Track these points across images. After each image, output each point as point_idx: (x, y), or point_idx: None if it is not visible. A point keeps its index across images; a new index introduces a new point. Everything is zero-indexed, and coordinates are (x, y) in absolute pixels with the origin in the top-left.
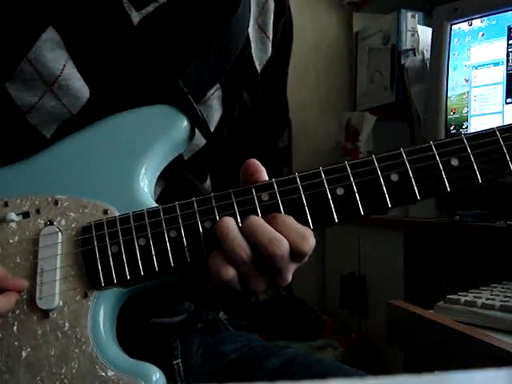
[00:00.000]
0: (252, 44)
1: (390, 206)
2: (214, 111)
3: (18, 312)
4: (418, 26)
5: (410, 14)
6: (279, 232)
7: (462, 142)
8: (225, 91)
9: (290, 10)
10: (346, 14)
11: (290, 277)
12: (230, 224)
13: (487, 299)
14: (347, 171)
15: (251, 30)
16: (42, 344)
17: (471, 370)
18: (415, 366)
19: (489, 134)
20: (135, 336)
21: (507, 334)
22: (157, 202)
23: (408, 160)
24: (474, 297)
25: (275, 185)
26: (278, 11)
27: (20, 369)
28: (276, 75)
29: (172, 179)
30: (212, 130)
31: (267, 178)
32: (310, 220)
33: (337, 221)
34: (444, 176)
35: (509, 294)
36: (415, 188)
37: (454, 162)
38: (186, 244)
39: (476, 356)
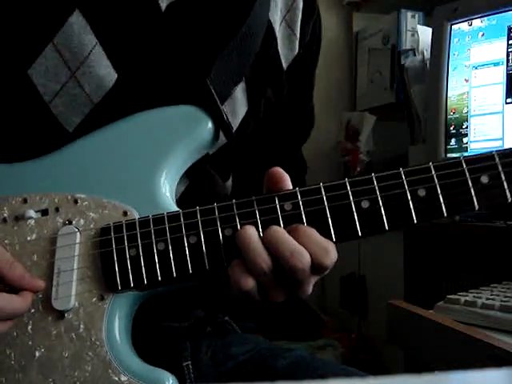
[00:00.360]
0: (278, 41)
1: (415, 221)
2: (240, 105)
3: (32, 311)
4: (418, 26)
5: (410, 13)
6: (301, 244)
7: (493, 159)
8: (249, 84)
9: (319, 13)
10: (346, 14)
11: (310, 289)
12: (252, 234)
13: (487, 299)
14: (373, 184)
15: (278, 27)
16: (56, 345)
17: (471, 370)
18: (415, 366)
19: None
20: (146, 338)
21: (507, 334)
22: (179, 200)
23: (436, 175)
24: (474, 297)
25: (299, 194)
26: (307, 11)
27: (33, 369)
28: (302, 76)
29: (194, 175)
30: (237, 124)
31: (291, 187)
32: (332, 233)
33: (360, 234)
34: (473, 194)
35: (509, 294)
36: (442, 205)
37: (484, 179)
38: (205, 251)
39: (476, 356)
